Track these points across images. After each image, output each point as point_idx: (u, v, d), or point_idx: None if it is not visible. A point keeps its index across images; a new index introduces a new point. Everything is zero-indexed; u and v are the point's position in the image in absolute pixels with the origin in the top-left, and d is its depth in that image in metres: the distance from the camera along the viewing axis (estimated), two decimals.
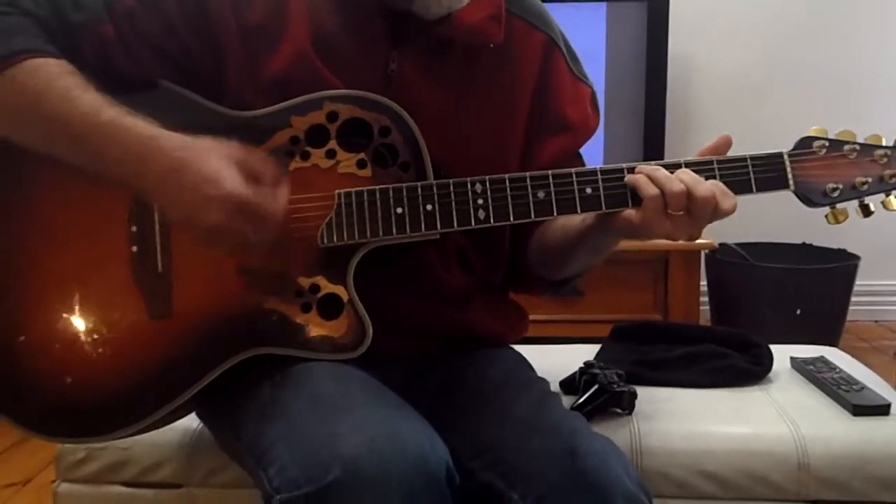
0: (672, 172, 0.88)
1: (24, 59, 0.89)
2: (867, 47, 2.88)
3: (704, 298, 2.59)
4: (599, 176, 0.90)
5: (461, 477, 0.82)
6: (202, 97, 0.95)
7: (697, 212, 0.87)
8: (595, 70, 1.10)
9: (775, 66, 2.87)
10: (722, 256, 2.54)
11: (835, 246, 2.60)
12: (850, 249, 2.57)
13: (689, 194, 0.86)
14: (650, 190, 0.87)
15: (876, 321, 2.98)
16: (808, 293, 2.43)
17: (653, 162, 0.90)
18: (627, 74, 2.52)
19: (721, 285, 2.57)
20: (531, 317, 1.16)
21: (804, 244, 2.66)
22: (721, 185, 0.88)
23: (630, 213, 0.89)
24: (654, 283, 2.34)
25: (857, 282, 2.56)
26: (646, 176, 0.88)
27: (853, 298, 2.57)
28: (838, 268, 2.50)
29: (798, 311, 2.40)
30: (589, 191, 0.90)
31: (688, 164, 0.90)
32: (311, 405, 0.82)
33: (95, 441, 0.97)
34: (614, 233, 0.93)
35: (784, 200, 2.82)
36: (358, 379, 0.87)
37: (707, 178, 0.89)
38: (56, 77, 0.89)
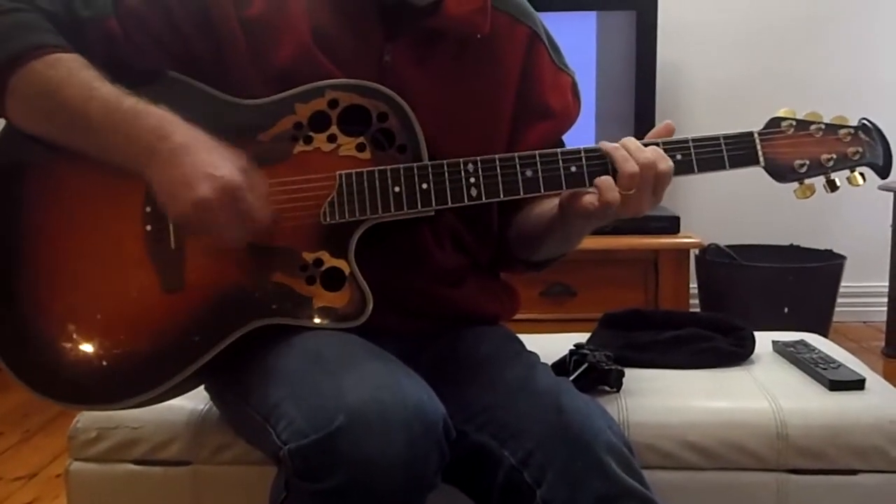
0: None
1: (45, 54, 0.95)
2: (854, 56, 2.95)
3: (695, 301, 2.65)
4: (583, 155, 0.96)
5: (456, 440, 0.88)
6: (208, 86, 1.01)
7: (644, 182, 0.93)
8: (586, 78, 1.17)
9: (763, 74, 2.94)
10: (711, 257, 2.60)
11: (822, 247, 2.67)
12: (837, 250, 2.63)
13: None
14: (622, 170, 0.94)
15: (864, 322, 3.03)
16: (795, 292, 2.49)
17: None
18: (617, 82, 2.58)
19: (710, 285, 2.63)
20: (523, 316, 1.22)
21: (792, 245, 2.72)
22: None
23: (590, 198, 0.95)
24: (645, 282, 2.39)
25: (845, 283, 2.61)
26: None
27: (841, 300, 2.63)
28: (824, 267, 2.56)
29: (786, 310, 2.46)
30: (573, 169, 0.96)
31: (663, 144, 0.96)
32: (315, 365, 0.87)
33: (112, 408, 1.02)
34: (576, 216, 0.99)
35: (772, 204, 2.84)
36: (359, 342, 0.93)
37: (681, 156, 0.96)
38: (76, 69, 0.95)
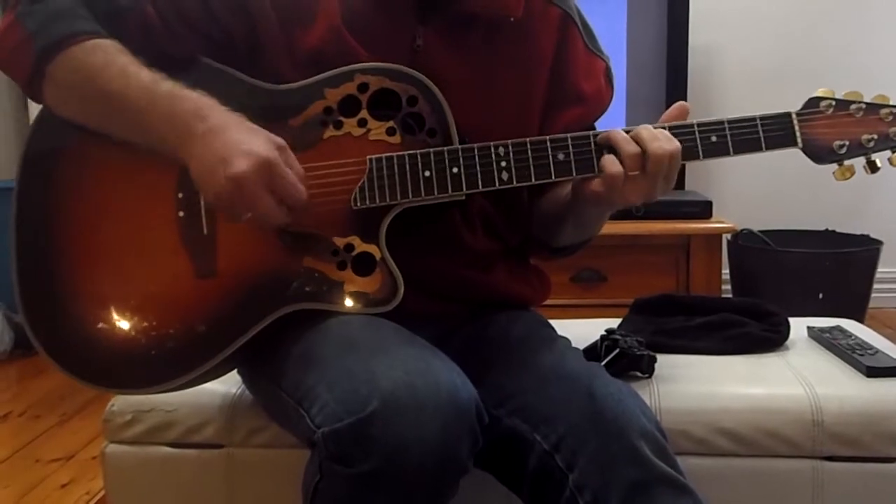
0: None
1: (84, 40, 0.96)
2: (888, 35, 2.89)
3: (727, 287, 2.61)
4: None
5: (488, 425, 0.87)
6: (239, 72, 1.02)
7: (653, 168, 0.93)
8: (617, 61, 1.16)
9: (796, 56, 2.89)
10: (744, 242, 2.57)
11: (858, 232, 2.62)
12: (874, 235, 2.59)
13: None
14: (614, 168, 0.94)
15: None
16: (830, 278, 2.44)
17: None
18: (648, 65, 2.55)
19: (743, 270, 2.60)
20: (554, 301, 1.21)
21: (827, 230, 2.68)
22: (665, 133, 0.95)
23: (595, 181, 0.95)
24: (676, 267, 2.37)
25: (882, 269, 2.57)
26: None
27: (877, 286, 2.59)
28: (860, 252, 2.52)
29: (820, 296, 2.42)
30: (606, 152, 0.95)
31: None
32: (347, 350, 0.88)
33: (146, 392, 1.03)
34: (586, 202, 0.99)
35: (807, 188, 2.79)
36: (390, 327, 0.93)
37: (716, 137, 0.95)
38: (113, 56, 0.96)
